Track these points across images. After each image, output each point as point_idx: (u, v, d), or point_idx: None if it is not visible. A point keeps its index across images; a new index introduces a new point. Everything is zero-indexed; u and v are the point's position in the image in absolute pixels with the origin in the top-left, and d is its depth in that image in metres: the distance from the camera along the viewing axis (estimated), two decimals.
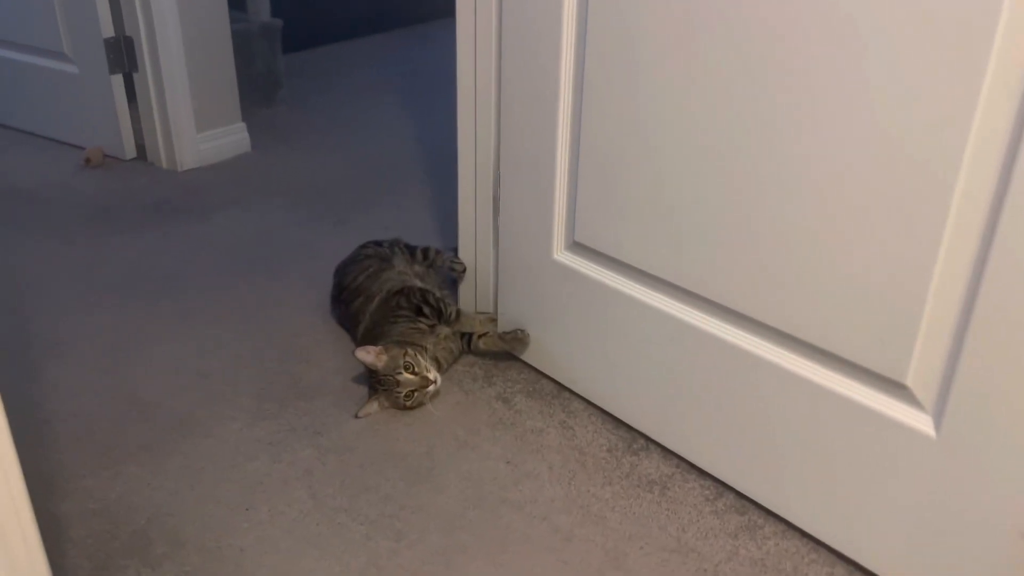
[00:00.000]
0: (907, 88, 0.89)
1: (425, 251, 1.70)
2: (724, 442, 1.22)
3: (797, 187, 1.01)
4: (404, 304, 1.53)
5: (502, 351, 1.54)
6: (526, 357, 1.53)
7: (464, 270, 1.65)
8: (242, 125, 2.55)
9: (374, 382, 1.42)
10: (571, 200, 1.32)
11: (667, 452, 1.32)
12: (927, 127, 0.88)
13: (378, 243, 1.72)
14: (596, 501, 1.23)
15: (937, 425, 0.97)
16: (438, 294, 1.57)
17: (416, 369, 1.39)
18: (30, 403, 1.44)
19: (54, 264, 1.91)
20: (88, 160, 2.43)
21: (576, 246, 1.35)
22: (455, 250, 1.66)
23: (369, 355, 1.40)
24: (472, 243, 1.60)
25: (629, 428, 1.37)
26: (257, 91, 2.82)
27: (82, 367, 1.54)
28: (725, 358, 1.17)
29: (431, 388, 1.40)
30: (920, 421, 0.99)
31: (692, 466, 1.29)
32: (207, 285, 1.83)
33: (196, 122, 2.42)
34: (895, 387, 1.00)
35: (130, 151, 2.48)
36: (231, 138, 2.53)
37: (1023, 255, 0.85)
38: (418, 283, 1.60)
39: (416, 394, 1.39)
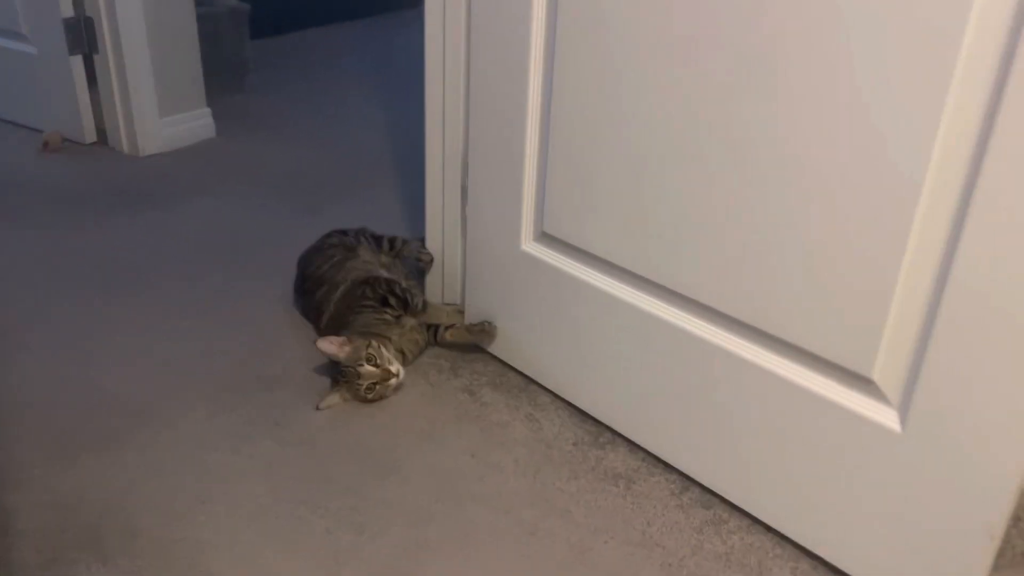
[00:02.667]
0: (878, 78, 0.88)
1: (392, 240, 1.68)
2: (690, 436, 1.21)
3: (764, 179, 1.00)
4: (369, 294, 1.50)
5: (469, 343, 1.53)
6: (493, 349, 1.52)
7: (431, 260, 1.62)
8: (207, 110, 2.51)
9: (336, 374, 1.40)
10: (540, 190, 1.30)
11: (633, 446, 1.31)
12: (898, 118, 0.88)
13: (343, 232, 1.69)
14: (561, 495, 1.22)
15: (903, 420, 0.97)
16: (404, 284, 1.54)
17: (378, 361, 1.37)
18: None
19: (11, 251, 1.86)
20: (46, 144, 2.37)
21: (545, 237, 1.33)
22: (423, 240, 1.64)
23: (332, 346, 1.38)
24: (440, 233, 1.57)
25: (596, 422, 1.36)
26: (224, 76, 2.77)
27: (40, 356, 1.50)
28: (692, 351, 1.16)
29: (393, 381, 1.38)
30: (886, 416, 0.99)
31: (658, 460, 1.28)
32: (169, 275, 1.78)
33: (159, 106, 2.37)
34: (861, 381, 1.00)
35: (90, 135, 2.42)
36: (196, 123, 2.48)
37: (991, 250, 0.85)
38: (384, 273, 1.57)
39: (378, 387, 1.37)
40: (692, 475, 1.24)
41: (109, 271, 1.79)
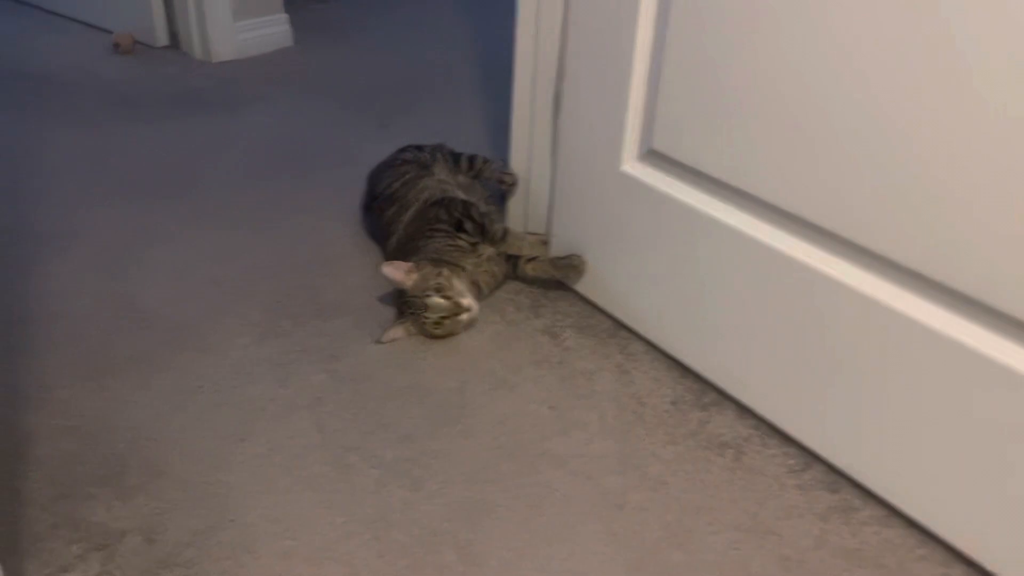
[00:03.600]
0: None
1: (471, 159, 1.48)
2: (816, 401, 0.99)
3: (966, 93, 0.76)
4: (443, 217, 1.31)
5: (553, 279, 1.33)
6: (580, 287, 1.32)
7: (515, 183, 1.42)
8: (284, 16, 2.34)
9: (401, 304, 1.22)
10: (651, 96, 1.08)
11: (744, 410, 1.10)
12: None
13: (419, 147, 1.51)
14: (655, 462, 1.02)
15: None
16: (483, 209, 1.35)
17: (449, 293, 1.19)
18: (17, 300, 1.28)
19: (70, 152, 1.75)
20: (117, 45, 2.25)
21: (652, 156, 1.11)
22: (506, 162, 1.43)
23: (397, 272, 1.20)
24: (526, 150, 1.37)
25: (698, 377, 1.15)
26: None
27: (81, 264, 1.37)
28: (834, 301, 0.93)
29: (464, 316, 1.19)
30: None
31: (773, 428, 1.07)
32: (229, 185, 1.64)
33: (233, 10, 2.21)
34: None
35: (162, 38, 2.30)
36: (272, 30, 2.32)
37: None
38: (461, 194, 1.38)
39: (447, 321, 1.19)
40: (815, 450, 1.02)
41: (164, 178, 1.66)
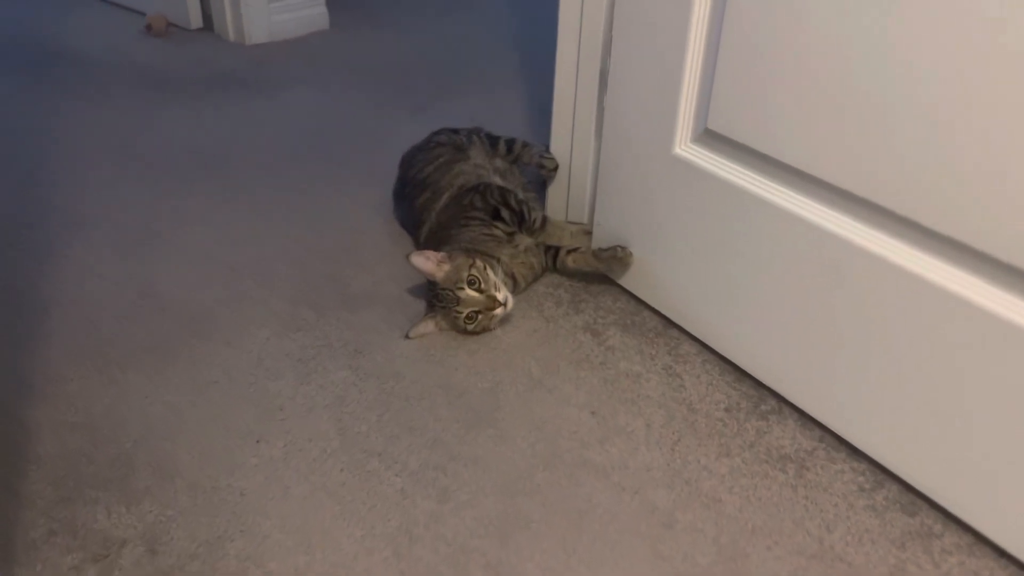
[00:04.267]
0: None
1: (510, 143, 1.39)
2: (891, 412, 0.89)
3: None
4: (478, 204, 1.23)
5: (596, 271, 1.23)
6: (625, 282, 1.22)
7: (555, 168, 1.33)
8: None
9: (432, 297, 1.14)
10: (707, 70, 0.97)
11: (807, 419, 1.00)
12: None
13: (454, 130, 1.42)
14: (708, 476, 0.92)
15: None
16: (521, 196, 1.26)
17: (482, 285, 1.10)
18: (32, 285, 1.22)
19: (97, 134, 1.70)
20: (149, 27, 2.20)
21: (708, 136, 1.01)
22: (547, 146, 1.34)
23: (428, 262, 1.12)
24: (568, 133, 1.27)
25: (756, 383, 1.05)
26: None
27: (101, 249, 1.31)
28: (914, 298, 0.83)
29: (499, 311, 1.10)
30: None
31: (841, 441, 0.96)
32: (257, 169, 1.57)
33: None
34: None
35: (196, 20, 2.25)
36: (307, 12, 2.25)
37: None
38: (497, 180, 1.30)
39: (480, 316, 1.10)
40: (889, 466, 0.92)
41: (191, 162, 1.60)
